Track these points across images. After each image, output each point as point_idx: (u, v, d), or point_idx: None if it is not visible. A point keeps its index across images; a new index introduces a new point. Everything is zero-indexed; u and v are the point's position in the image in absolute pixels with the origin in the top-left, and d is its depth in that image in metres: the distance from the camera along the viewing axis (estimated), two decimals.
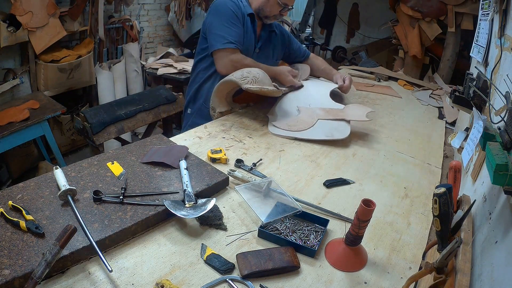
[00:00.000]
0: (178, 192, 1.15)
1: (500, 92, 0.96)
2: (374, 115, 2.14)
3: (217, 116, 1.88)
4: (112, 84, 4.02)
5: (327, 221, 1.12)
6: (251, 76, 1.73)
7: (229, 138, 1.64)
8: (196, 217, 1.06)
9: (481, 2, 1.65)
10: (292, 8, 2.00)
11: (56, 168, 1.14)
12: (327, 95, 1.98)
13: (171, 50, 4.65)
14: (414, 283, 0.87)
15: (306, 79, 2.18)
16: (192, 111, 2.11)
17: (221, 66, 1.89)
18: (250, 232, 1.08)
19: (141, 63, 4.33)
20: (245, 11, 1.92)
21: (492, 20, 1.46)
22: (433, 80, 3.11)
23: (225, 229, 1.08)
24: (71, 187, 1.05)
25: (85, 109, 2.92)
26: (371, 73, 3.06)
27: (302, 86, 2.06)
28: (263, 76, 1.77)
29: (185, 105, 2.18)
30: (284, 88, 1.95)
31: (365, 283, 0.95)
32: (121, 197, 1.07)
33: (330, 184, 1.37)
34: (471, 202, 0.97)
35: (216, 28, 1.87)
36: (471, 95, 1.32)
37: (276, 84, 1.87)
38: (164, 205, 1.05)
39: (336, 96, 2.13)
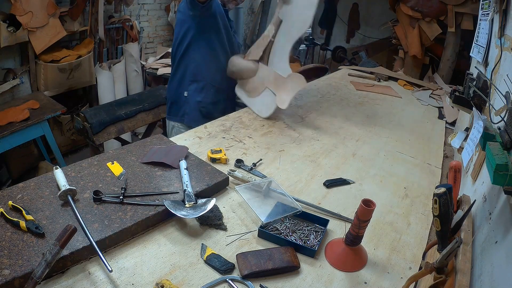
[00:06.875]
0: (178, 192, 1.15)
1: (500, 92, 0.96)
2: (374, 115, 2.14)
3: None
4: (112, 84, 4.01)
5: (327, 221, 1.12)
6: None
7: (229, 138, 1.64)
8: (196, 217, 1.06)
9: (481, 2, 1.65)
10: None
11: (56, 168, 1.14)
12: (287, 50, 1.91)
13: (171, 50, 4.64)
14: (414, 283, 0.87)
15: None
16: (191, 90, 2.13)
17: None
18: (250, 232, 1.08)
19: (141, 63, 4.32)
20: None
21: (492, 20, 1.46)
22: (433, 80, 3.11)
23: (225, 229, 1.08)
24: (71, 187, 1.05)
25: (85, 109, 2.91)
26: (371, 73, 3.06)
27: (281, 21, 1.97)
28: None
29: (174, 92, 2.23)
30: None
31: (365, 283, 0.95)
32: (121, 197, 1.07)
33: (330, 184, 1.37)
34: (471, 202, 0.97)
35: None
36: (471, 95, 1.32)
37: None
38: (164, 205, 1.05)
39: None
